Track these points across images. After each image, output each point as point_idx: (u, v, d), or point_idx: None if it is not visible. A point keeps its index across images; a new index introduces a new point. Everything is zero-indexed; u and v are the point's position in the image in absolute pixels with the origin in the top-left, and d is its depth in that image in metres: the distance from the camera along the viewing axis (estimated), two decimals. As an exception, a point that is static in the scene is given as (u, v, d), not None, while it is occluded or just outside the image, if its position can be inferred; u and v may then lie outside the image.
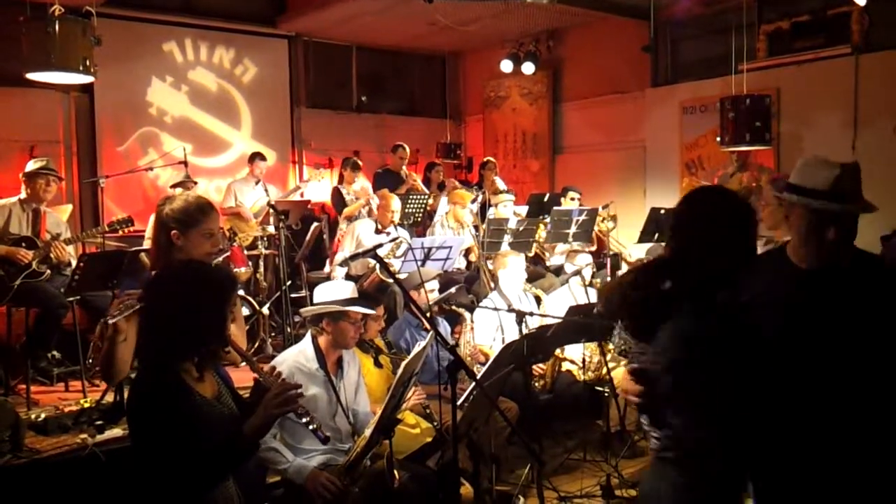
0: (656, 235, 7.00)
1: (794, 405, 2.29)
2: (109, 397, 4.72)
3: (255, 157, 8.04)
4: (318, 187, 9.25)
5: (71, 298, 5.29)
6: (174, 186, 6.98)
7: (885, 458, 2.25)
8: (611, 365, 5.32)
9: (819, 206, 2.34)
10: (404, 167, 8.72)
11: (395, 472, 3.32)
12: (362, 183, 8.21)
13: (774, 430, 2.32)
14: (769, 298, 2.35)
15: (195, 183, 7.32)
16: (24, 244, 5.30)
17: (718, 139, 7.18)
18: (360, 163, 8.41)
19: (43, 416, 4.46)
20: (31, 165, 5.54)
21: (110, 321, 2.56)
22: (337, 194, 8.23)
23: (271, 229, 6.97)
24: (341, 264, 6.52)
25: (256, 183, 7.81)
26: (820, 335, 2.29)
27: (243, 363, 2.69)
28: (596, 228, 7.57)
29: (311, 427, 2.57)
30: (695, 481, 2.05)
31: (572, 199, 8.16)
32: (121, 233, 5.52)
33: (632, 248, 7.77)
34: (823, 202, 2.33)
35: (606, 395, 5.31)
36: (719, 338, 2.01)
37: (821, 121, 7.60)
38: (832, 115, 7.50)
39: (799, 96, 7.73)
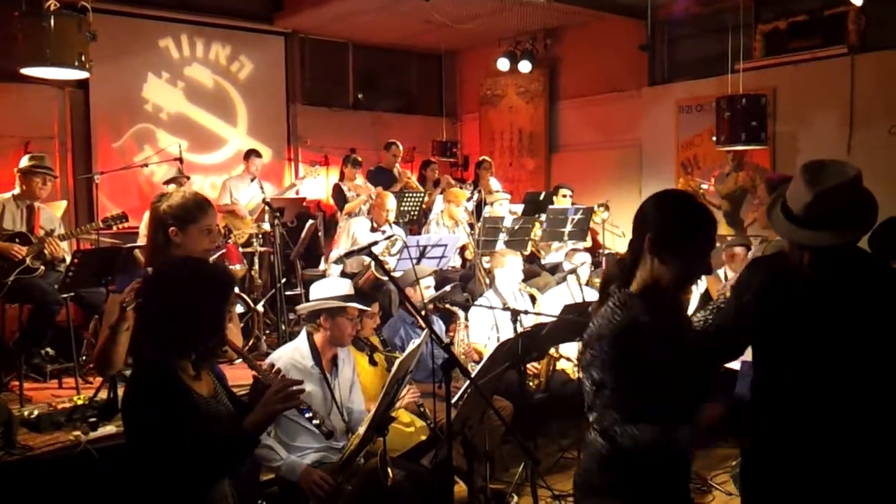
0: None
1: (789, 411, 2.29)
2: (103, 394, 4.71)
3: (251, 154, 8.04)
4: (313, 184, 9.24)
5: (65, 295, 5.28)
6: (167, 182, 6.97)
7: (880, 459, 2.24)
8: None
9: (789, 236, 2.27)
10: (397, 165, 8.70)
11: (389, 470, 3.32)
12: (364, 181, 8.19)
13: (771, 430, 2.32)
14: (768, 299, 2.34)
15: (188, 178, 7.31)
16: (17, 240, 5.26)
17: (714, 138, 7.20)
18: (360, 159, 8.39)
19: (36, 412, 4.44)
20: (26, 162, 5.51)
21: (125, 307, 2.58)
22: (338, 191, 8.21)
23: (267, 226, 6.96)
24: (336, 262, 6.52)
25: (252, 180, 7.80)
26: (810, 339, 2.26)
27: (238, 360, 2.68)
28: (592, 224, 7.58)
29: (314, 422, 2.57)
30: (613, 454, 2.12)
31: (564, 196, 8.17)
32: (115, 229, 5.50)
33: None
34: (794, 229, 2.23)
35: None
36: (620, 333, 2.07)
37: (817, 121, 7.61)
38: (828, 115, 7.51)
39: (795, 96, 7.74)
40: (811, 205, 2.17)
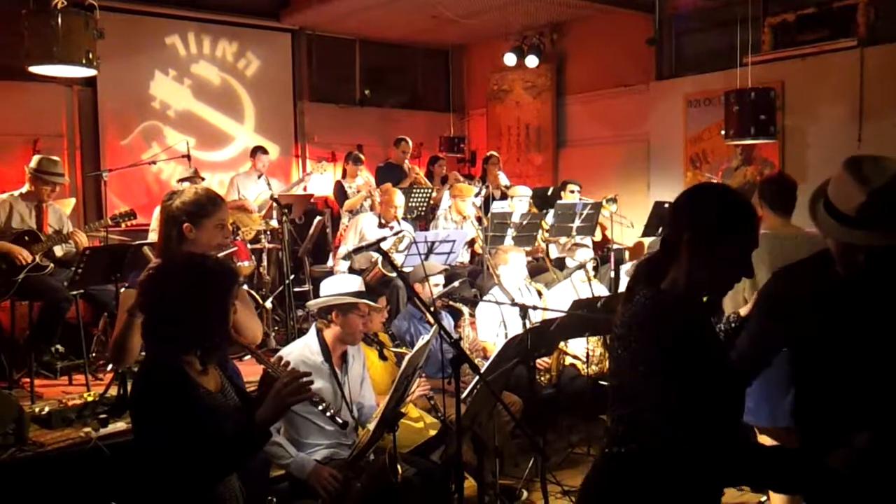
0: (660, 229, 7.00)
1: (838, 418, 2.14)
2: (113, 391, 4.73)
3: (257, 150, 8.04)
4: (321, 181, 9.24)
5: (74, 292, 5.29)
6: (182, 181, 6.96)
7: None
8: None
9: (841, 237, 2.11)
10: (407, 161, 8.70)
11: (398, 466, 3.32)
12: (366, 177, 8.19)
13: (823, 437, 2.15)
14: (810, 301, 2.22)
15: (202, 178, 7.33)
16: (27, 237, 5.29)
17: (723, 133, 7.15)
18: (361, 157, 8.39)
19: (47, 409, 4.46)
20: (39, 164, 5.48)
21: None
22: (339, 188, 8.23)
23: (274, 223, 6.96)
24: (344, 258, 6.52)
25: (259, 177, 7.81)
26: (853, 343, 2.11)
27: (248, 357, 2.69)
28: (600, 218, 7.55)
29: (327, 414, 2.57)
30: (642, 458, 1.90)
31: (572, 191, 8.16)
32: (123, 226, 5.51)
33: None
34: (847, 230, 2.07)
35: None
36: (658, 316, 1.88)
37: (826, 114, 7.57)
38: (837, 109, 7.46)
39: (804, 89, 7.69)
40: (867, 204, 2.04)
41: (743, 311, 2.53)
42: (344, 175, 8.38)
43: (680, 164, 8.81)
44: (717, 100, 7.80)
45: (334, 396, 3.67)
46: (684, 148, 8.77)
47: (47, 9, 4.65)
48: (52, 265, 5.34)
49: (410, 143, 8.80)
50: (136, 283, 2.85)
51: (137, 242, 5.40)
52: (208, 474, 2.22)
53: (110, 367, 5.18)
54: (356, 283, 3.88)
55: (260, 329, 3.23)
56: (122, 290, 2.97)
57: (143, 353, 2.59)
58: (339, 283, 3.89)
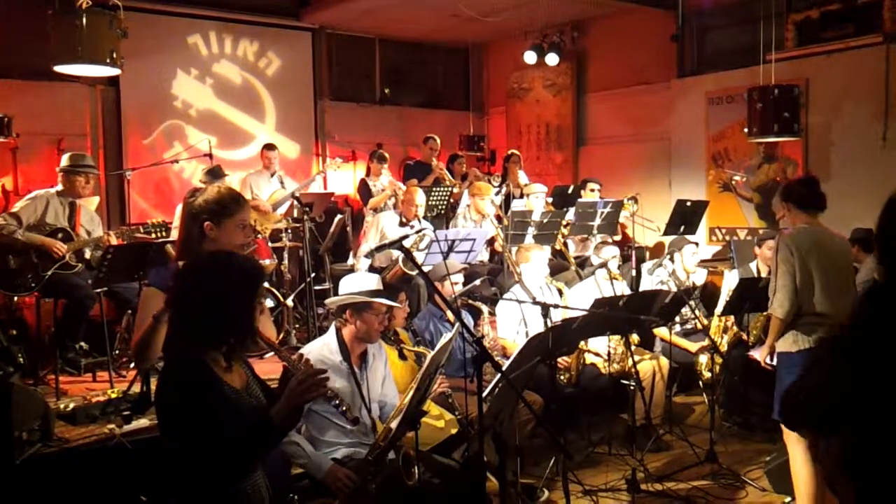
0: (682, 227, 6.94)
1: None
2: (136, 388, 4.78)
3: (265, 148, 7.94)
4: (341, 179, 9.25)
5: (98, 290, 5.35)
6: (207, 172, 6.97)
7: None
8: (636, 358, 5.29)
9: None
10: (434, 159, 8.69)
11: (413, 468, 3.31)
12: (390, 177, 8.19)
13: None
14: None
15: (227, 174, 7.35)
16: (60, 235, 5.35)
17: (746, 130, 7.09)
18: (386, 155, 8.39)
19: (71, 405, 4.51)
20: (67, 161, 5.55)
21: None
22: (363, 186, 8.23)
23: (289, 221, 6.97)
24: (365, 256, 6.54)
25: (272, 175, 7.80)
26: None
27: (270, 354, 2.70)
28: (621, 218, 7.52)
29: (341, 409, 2.58)
30: None
31: (592, 190, 8.12)
32: (154, 236, 5.53)
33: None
34: None
35: (632, 388, 5.28)
36: None
37: (851, 112, 7.47)
38: (862, 106, 7.37)
39: (828, 87, 7.60)
40: None
41: None
42: (368, 173, 8.37)
43: (702, 163, 8.75)
44: (740, 97, 7.73)
45: (352, 395, 3.66)
46: (706, 146, 8.70)
47: (72, 9, 4.70)
48: (80, 265, 5.40)
49: (438, 140, 8.78)
50: (156, 281, 2.87)
51: (160, 240, 5.45)
52: (228, 470, 2.23)
53: (133, 364, 5.23)
54: (373, 282, 3.85)
55: (274, 330, 3.24)
56: (146, 289, 2.98)
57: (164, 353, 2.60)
58: (356, 282, 3.86)
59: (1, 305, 5.98)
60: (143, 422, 4.29)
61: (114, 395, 4.66)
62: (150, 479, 3.69)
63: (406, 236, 3.64)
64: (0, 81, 7.41)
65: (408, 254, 3.16)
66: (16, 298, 5.65)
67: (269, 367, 4.78)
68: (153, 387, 3.74)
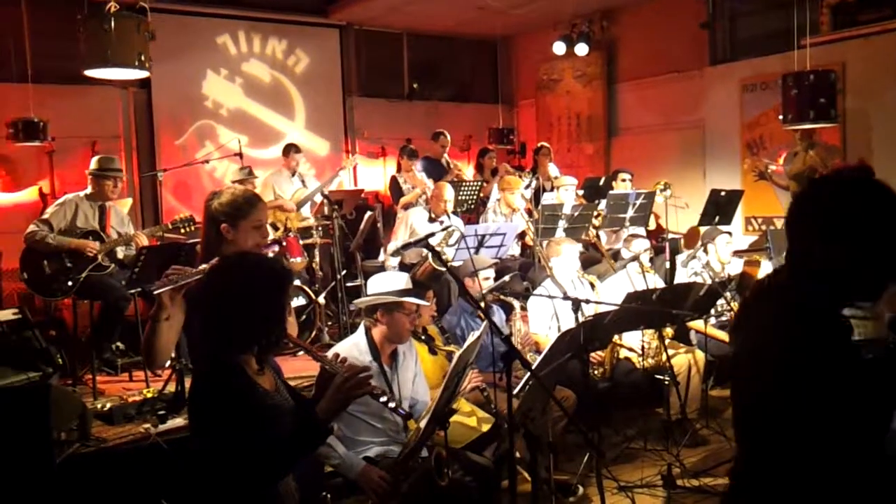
0: (717, 218, 6.82)
1: None
2: (171, 387, 4.82)
3: (290, 149, 7.91)
4: (371, 175, 9.24)
5: (132, 291, 5.41)
6: (235, 182, 7.02)
7: None
8: (670, 352, 5.21)
9: None
10: (445, 155, 8.62)
11: (445, 468, 3.28)
12: (421, 173, 8.14)
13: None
14: None
15: (257, 177, 7.40)
16: (90, 237, 5.44)
17: (781, 117, 6.94)
18: (416, 150, 8.35)
19: (108, 405, 4.56)
20: (96, 164, 5.64)
21: (154, 291, 2.51)
22: (394, 183, 8.21)
23: (312, 220, 6.98)
24: (394, 253, 6.53)
25: (292, 175, 7.81)
26: None
27: (301, 353, 2.70)
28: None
29: (390, 405, 2.57)
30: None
31: (623, 180, 7.99)
32: (181, 231, 5.61)
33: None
34: None
35: (666, 382, 5.21)
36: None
37: (889, 96, 7.28)
38: (902, 89, 7.19)
39: (866, 71, 7.42)
40: None
41: None
42: (399, 169, 8.33)
43: (737, 151, 8.60)
44: (774, 84, 7.58)
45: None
46: (741, 134, 8.56)
47: (101, 13, 4.75)
48: (113, 265, 5.48)
49: (449, 136, 8.70)
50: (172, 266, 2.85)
51: (191, 241, 5.49)
52: (269, 473, 2.23)
53: (168, 363, 5.29)
54: (402, 281, 3.81)
55: (296, 328, 3.24)
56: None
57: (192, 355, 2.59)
58: (385, 282, 3.81)
59: (40, 308, 6.09)
60: (178, 421, 4.33)
61: (149, 395, 4.71)
62: (186, 479, 3.72)
63: (432, 234, 3.59)
64: (35, 86, 7.53)
65: (434, 252, 3.13)
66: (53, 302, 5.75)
67: (297, 366, 4.82)
68: (188, 385, 3.77)
